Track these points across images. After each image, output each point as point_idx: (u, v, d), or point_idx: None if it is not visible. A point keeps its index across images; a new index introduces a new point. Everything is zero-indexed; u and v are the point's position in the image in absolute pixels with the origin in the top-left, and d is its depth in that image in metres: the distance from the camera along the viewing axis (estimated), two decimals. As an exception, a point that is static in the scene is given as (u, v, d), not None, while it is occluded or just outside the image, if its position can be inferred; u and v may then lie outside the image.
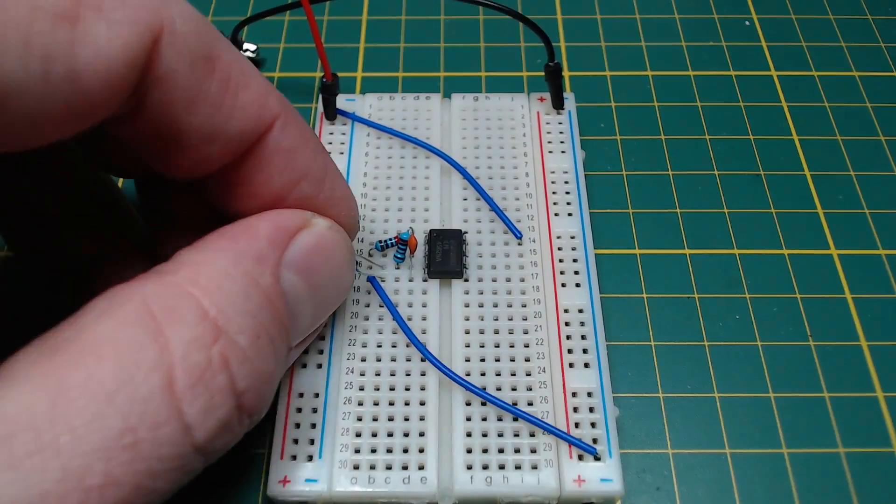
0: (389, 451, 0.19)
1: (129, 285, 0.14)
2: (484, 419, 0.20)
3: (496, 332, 0.21)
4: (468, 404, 0.20)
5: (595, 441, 0.20)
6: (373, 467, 0.19)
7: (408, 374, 0.21)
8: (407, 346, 0.21)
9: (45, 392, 0.12)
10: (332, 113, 0.26)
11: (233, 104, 0.16)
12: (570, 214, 0.24)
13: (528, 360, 0.21)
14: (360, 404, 0.20)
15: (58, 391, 0.12)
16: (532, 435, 0.20)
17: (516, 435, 0.20)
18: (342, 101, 0.26)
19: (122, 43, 0.13)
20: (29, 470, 0.12)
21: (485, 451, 0.19)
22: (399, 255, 0.22)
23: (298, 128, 0.17)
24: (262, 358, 0.15)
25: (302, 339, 0.18)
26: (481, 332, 0.21)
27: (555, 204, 0.24)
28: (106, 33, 0.13)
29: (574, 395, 0.20)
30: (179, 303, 0.14)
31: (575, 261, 0.23)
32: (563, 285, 0.22)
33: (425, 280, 0.22)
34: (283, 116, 0.17)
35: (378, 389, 0.20)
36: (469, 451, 0.19)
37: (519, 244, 0.23)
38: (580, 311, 0.22)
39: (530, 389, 0.20)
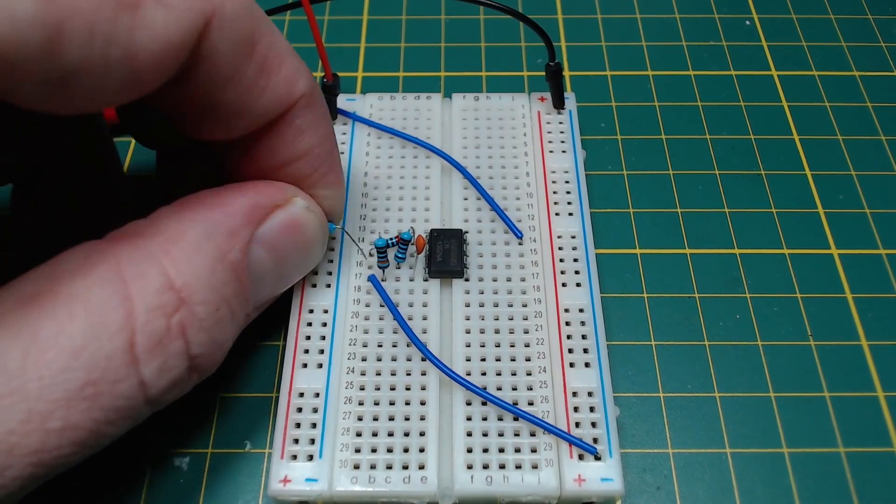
0: (390, 450, 0.19)
1: (106, 244, 0.16)
2: (484, 419, 0.20)
3: (497, 331, 0.21)
4: (469, 404, 0.20)
5: (595, 441, 0.19)
6: (373, 467, 0.19)
7: (408, 374, 0.21)
8: (407, 345, 0.21)
9: (19, 341, 0.14)
10: (332, 113, 0.26)
11: (265, 85, 0.17)
12: (570, 214, 0.24)
13: (528, 359, 0.21)
14: (361, 404, 0.20)
15: (31, 341, 0.14)
16: (532, 434, 0.20)
17: (517, 434, 0.20)
18: (343, 101, 0.26)
19: (175, 27, 0.14)
20: None
21: (485, 450, 0.19)
22: (400, 255, 0.22)
23: (317, 111, 0.18)
24: (220, 327, 0.16)
25: (260, 305, 0.19)
26: (482, 331, 0.21)
27: (555, 203, 0.24)
28: (163, 18, 0.14)
29: (574, 394, 0.20)
30: (149, 270, 0.15)
31: (575, 260, 0.23)
32: (564, 285, 0.22)
33: (426, 280, 0.22)
34: (307, 98, 0.18)
35: (378, 389, 0.20)
36: (469, 451, 0.19)
37: (519, 244, 0.23)
38: (581, 310, 0.22)
39: (531, 389, 0.20)
